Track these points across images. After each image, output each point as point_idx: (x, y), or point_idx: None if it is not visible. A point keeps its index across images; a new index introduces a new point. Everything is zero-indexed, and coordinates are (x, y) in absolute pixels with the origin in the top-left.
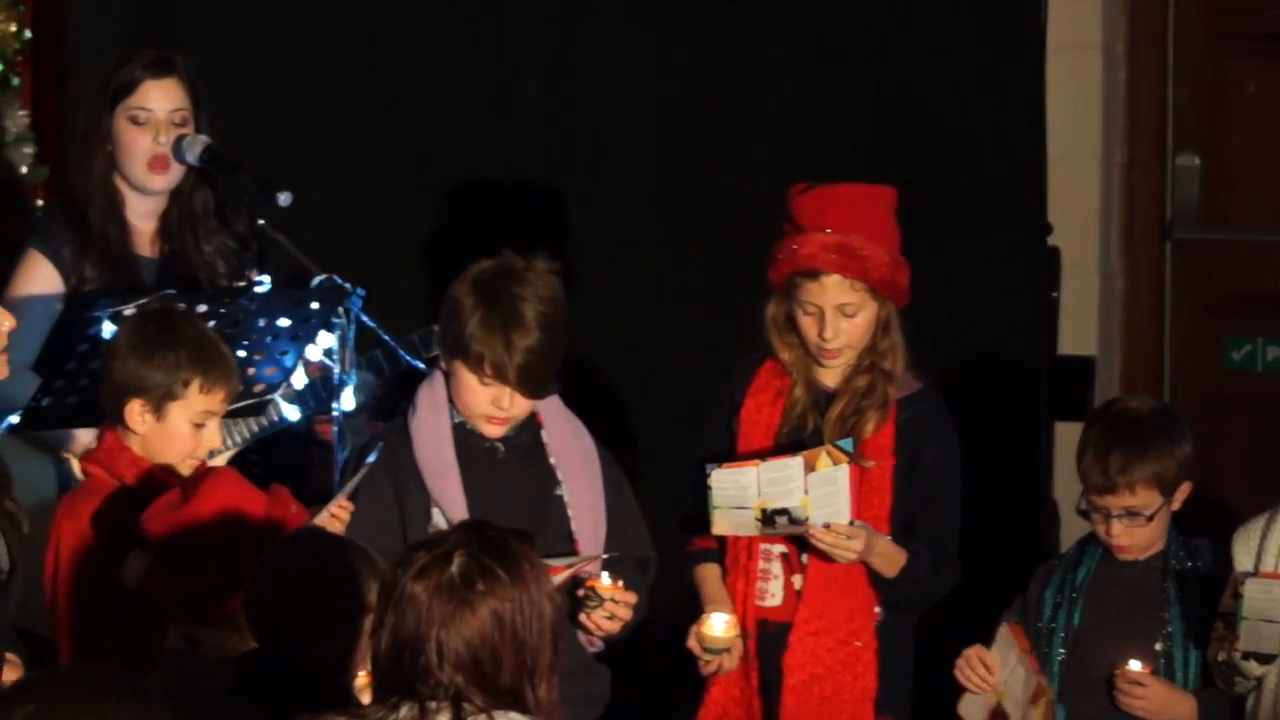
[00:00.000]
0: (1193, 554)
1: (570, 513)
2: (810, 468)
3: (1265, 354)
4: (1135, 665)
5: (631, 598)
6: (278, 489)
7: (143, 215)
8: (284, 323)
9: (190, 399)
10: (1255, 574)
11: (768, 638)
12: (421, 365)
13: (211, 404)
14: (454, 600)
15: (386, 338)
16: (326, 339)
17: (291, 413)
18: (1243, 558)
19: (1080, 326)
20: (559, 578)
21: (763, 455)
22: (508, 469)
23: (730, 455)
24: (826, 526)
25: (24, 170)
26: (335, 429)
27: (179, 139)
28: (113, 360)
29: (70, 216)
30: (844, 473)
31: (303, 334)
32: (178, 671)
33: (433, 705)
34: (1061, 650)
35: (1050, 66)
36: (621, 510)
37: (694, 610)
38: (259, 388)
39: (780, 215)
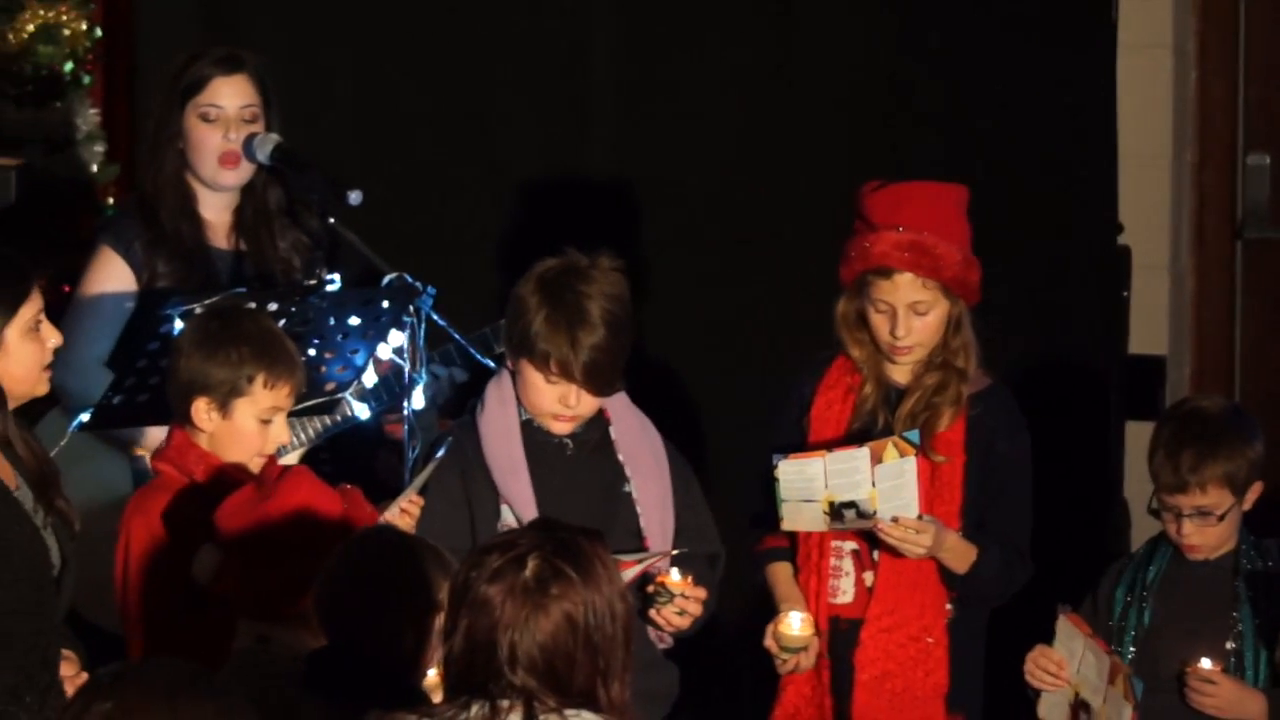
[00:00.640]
0: (1264, 554)
1: (639, 509)
2: (877, 459)
3: None
4: (1206, 663)
5: (701, 593)
6: (351, 489)
7: (215, 209)
8: (355, 321)
9: (255, 395)
10: None
11: (839, 635)
12: (492, 363)
13: (277, 400)
14: (527, 604)
15: (457, 336)
16: (397, 337)
17: (362, 411)
18: None
19: (1151, 326)
20: (628, 574)
21: (829, 445)
22: (576, 466)
23: (799, 450)
24: (895, 520)
25: (94, 169)
26: (406, 427)
27: (250, 137)
28: (178, 358)
29: (142, 213)
30: (911, 465)
31: (374, 332)
32: (251, 670)
33: (504, 704)
34: (1132, 648)
35: (1121, 66)
36: (689, 506)
37: (766, 610)
38: (329, 386)
39: (850, 214)
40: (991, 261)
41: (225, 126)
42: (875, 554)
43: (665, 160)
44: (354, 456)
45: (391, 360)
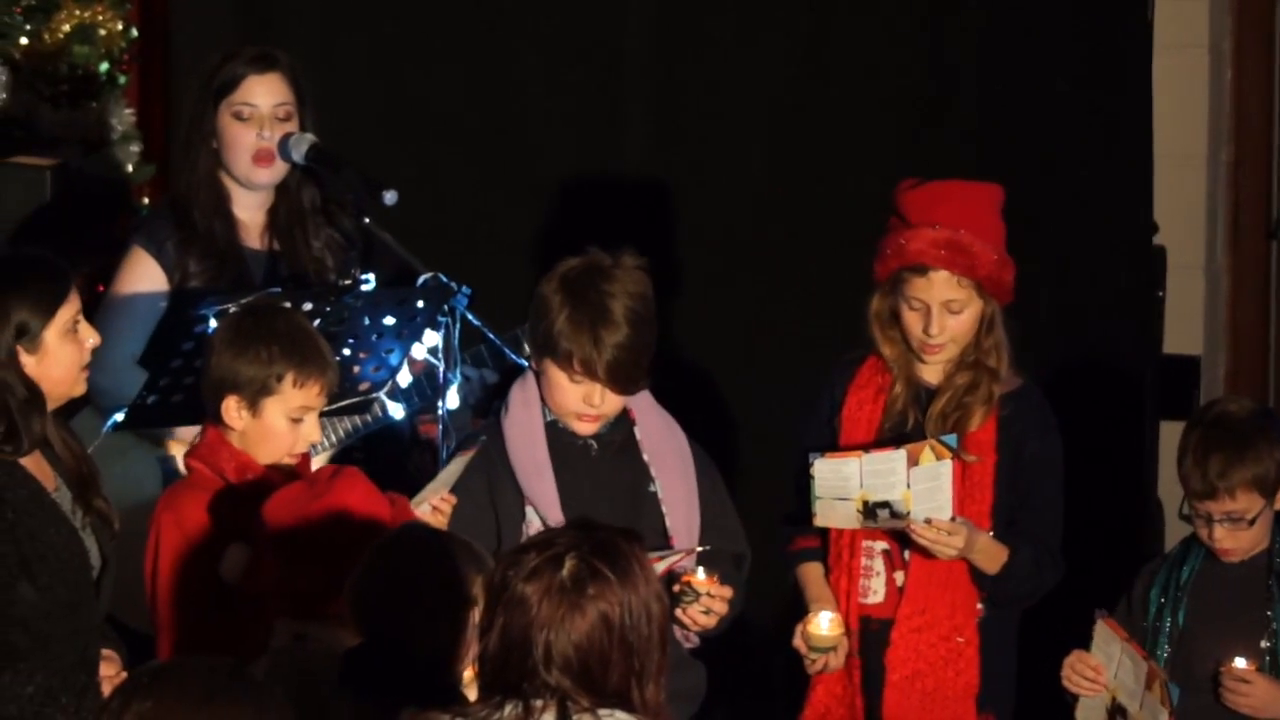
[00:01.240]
0: None
1: (664, 508)
2: (913, 462)
3: None
4: (1241, 663)
5: (727, 592)
6: (398, 498)
7: (249, 209)
8: (389, 321)
9: (285, 394)
10: None
11: (870, 635)
12: (525, 363)
13: (307, 399)
14: (564, 603)
15: (491, 336)
16: (432, 337)
17: (396, 411)
18: None
19: (1185, 325)
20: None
21: (865, 448)
22: (601, 466)
23: (834, 450)
24: (928, 521)
25: (130, 169)
26: (440, 427)
27: (285, 137)
28: (210, 356)
29: (175, 212)
30: (947, 468)
31: (408, 332)
32: (288, 668)
33: (538, 704)
34: (1167, 649)
35: (1157, 66)
36: (715, 505)
37: (797, 610)
38: (364, 386)
39: (885, 214)
40: (1026, 261)
41: (259, 125)
42: (906, 554)
43: (699, 159)
44: (387, 456)
45: (426, 360)
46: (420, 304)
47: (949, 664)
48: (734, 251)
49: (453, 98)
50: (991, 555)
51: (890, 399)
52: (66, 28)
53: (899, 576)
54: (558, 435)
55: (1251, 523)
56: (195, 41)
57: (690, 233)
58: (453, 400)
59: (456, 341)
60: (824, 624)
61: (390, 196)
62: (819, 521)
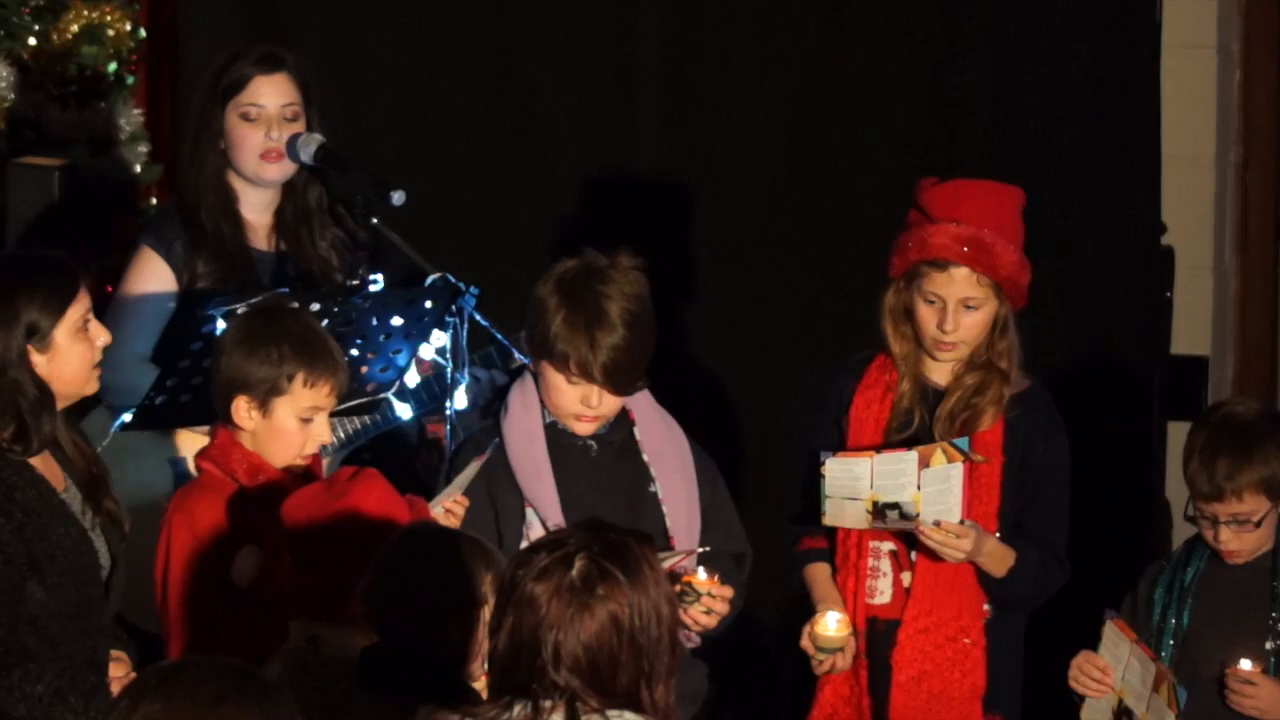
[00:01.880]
0: None
1: (665, 509)
2: (924, 464)
3: None
4: (1246, 664)
5: (728, 592)
6: (417, 500)
7: (257, 209)
8: (397, 321)
9: (296, 394)
10: None
11: (877, 635)
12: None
13: (317, 399)
14: (573, 603)
15: (500, 336)
16: (440, 338)
17: (404, 411)
18: None
19: (1194, 326)
20: None
21: (877, 448)
22: (601, 467)
23: (840, 450)
24: (937, 524)
25: (138, 169)
26: (448, 427)
27: (293, 137)
28: (219, 357)
29: (182, 213)
30: (958, 471)
31: (416, 333)
32: (300, 670)
33: (546, 705)
34: (1171, 649)
35: (1165, 66)
36: (716, 505)
37: (804, 610)
38: (371, 387)
39: (896, 215)
40: (1035, 261)
41: (266, 125)
42: (913, 555)
43: (710, 160)
44: (396, 457)
45: (434, 361)
46: (428, 304)
47: (956, 665)
48: (744, 253)
49: (462, 98)
50: (999, 558)
51: (897, 397)
52: (75, 28)
53: (906, 577)
54: (557, 436)
55: (1258, 524)
56: (204, 42)
57: (701, 233)
58: (461, 401)
59: (465, 342)
60: (831, 624)
61: (398, 197)
62: (828, 521)
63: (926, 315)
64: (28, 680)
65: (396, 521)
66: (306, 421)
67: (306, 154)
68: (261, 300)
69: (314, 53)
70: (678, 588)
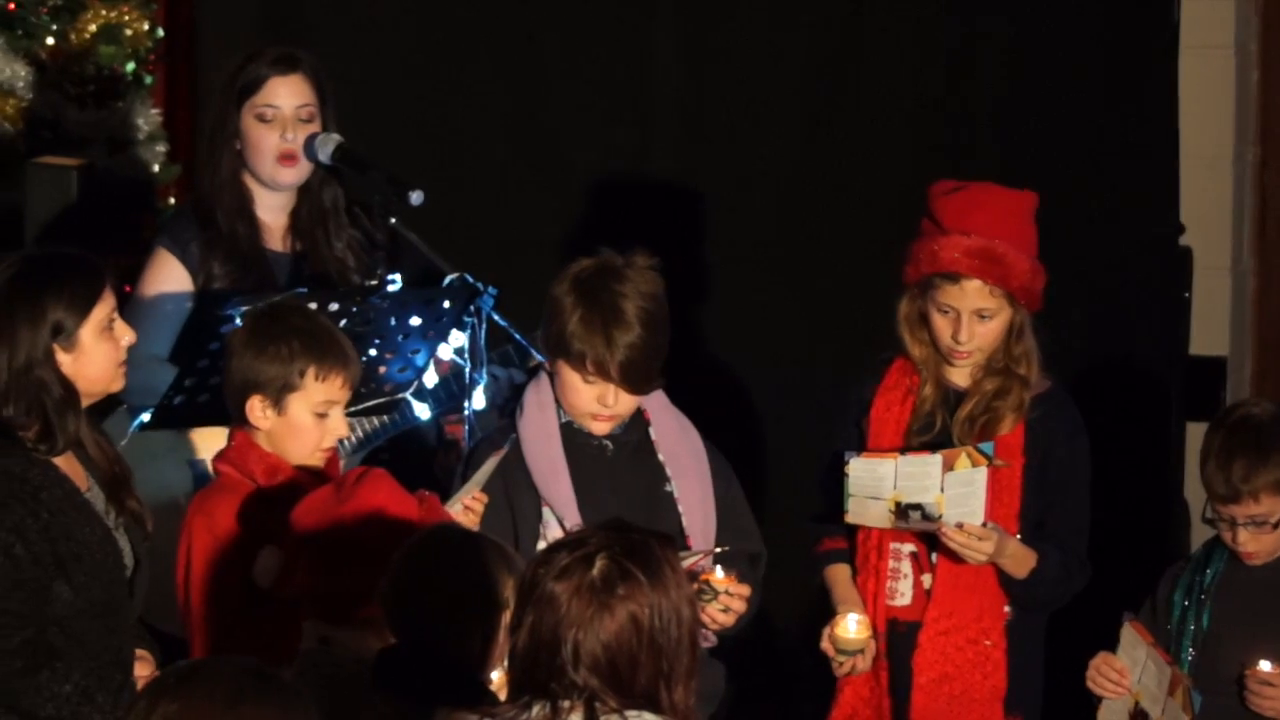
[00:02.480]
0: None
1: (680, 508)
2: (949, 467)
3: None
4: (1265, 666)
5: (745, 590)
6: (428, 495)
7: (272, 211)
8: (415, 321)
9: (308, 389)
10: None
11: (897, 637)
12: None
13: (330, 392)
14: (593, 602)
15: (518, 336)
16: (458, 338)
17: (422, 411)
18: None
19: (1212, 327)
20: None
21: (902, 450)
22: (617, 467)
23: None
24: (959, 526)
25: (156, 169)
26: (466, 428)
27: (310, 138)
28: (230, 359)
29: (198, 214)
30: (982, 475)
31: (434, 332)
32: (313, 672)
33: (565, 705)
34: (1191, 651)
35: (1183, 66)
36: (731, 505)
37: (824, 612)
38: (389, 387)
39: (912, 215)
40: (1052, 263)
41: (282, 127)
42: (934, 557)
43: (726, 161)
44: (414, 457)
45: (452, 361)
46: (446, 304)
47: (976, 667)
48: (760, 253)
49: (479, 99)
50: (1020, 560)
51: (919, 401)
52: (93, 28)
53: (926, 579)
54: (573, 436)
55: (1275, 526)
56: (221, 41)
57: (717, 234)
58: (479, 401)
59: (483, 342)
60: (851, 626)
61: (416, 197)
62: (850, 518)
63: (941, 324)
64: (55, 680)
65: (407, 520)
66: (322, 416)
67: (324, 154)
68: (279, 300)
69: (331, 53)
70: (695, 586)
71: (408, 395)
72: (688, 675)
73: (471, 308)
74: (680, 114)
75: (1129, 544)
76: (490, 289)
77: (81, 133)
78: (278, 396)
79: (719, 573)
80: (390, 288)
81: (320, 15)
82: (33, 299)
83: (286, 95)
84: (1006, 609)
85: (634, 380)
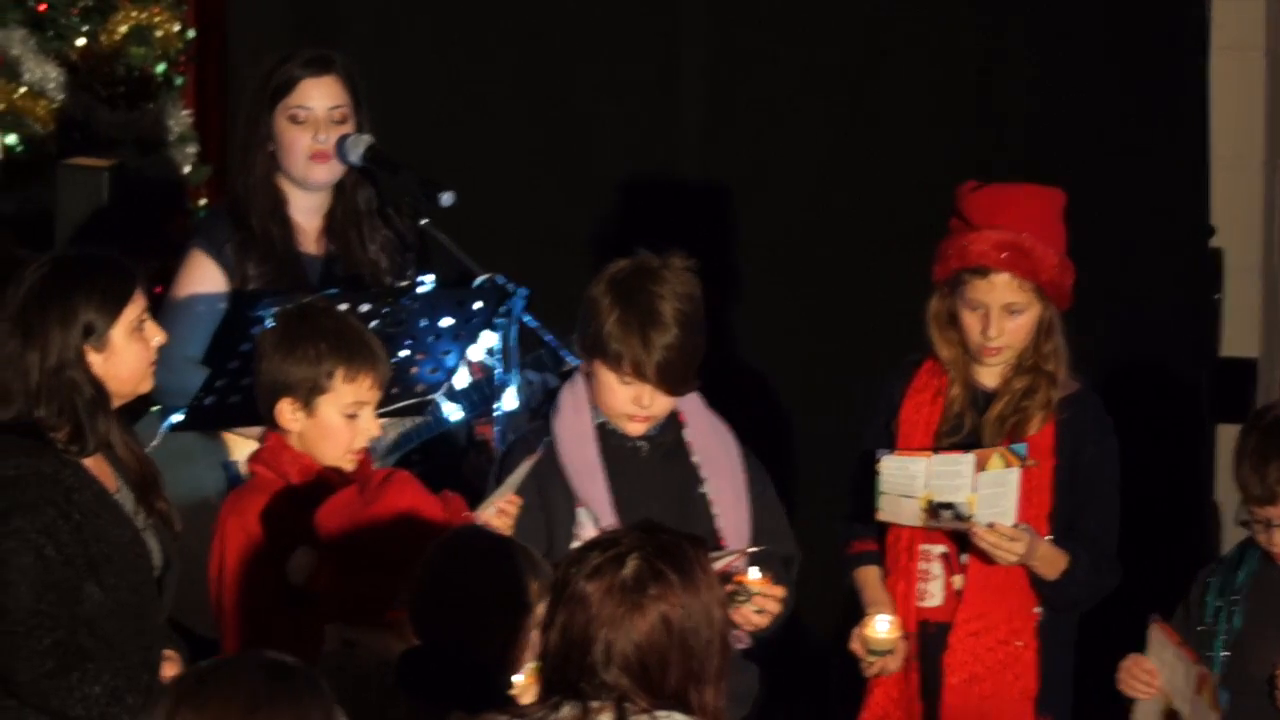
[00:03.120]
0: None
1: (715, 510)
2: (981, 467)
3: None
4: None
5: (780, 591)
6: (453, 496)
7: (306, 213)
8: (447, 322)
9: (338, 390)
10: None
11: (928, 638)
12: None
13: (359, 393)
14: (625, 602)
15: (549, 338)
16: (489, 339)
17: (453, 412)
18: None
19: (1243, 328)
20: None
21: (934, 450)
22: (652, 468)
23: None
24: (991, 526)
25: (187, 170)
26: (496, 429)
27: (342, 139)
28: (259, 362)
29: (233, 216)
30: (1015, 476)
31: (465, 334)
32: (336, 674)
33: (595, 705)
34: (1223, 652)
35: (1214, 68)
36: (764, 507)
37: (855, 613)
38: (420, 387)
39: (940, 215)
40: (1082, 264)
41: (315, 128)
42: (964, 558)
43: (755, 162)
44: (443, 458)
45: (483, 363)
46: (477, 305)
47: (1007, 668)
48: (790, 254)
49: (510, 99)
50: (1051, 562)
51: (948, 401)
52: (123, 29)
53: (957, 580)
54: (608, 437)
55: None
56: (252, 42)
57: (746, 235)
58: (511, 402)
59: (514, 343)
60: (881, 627)
61: (448, 198)
62: (882, 516)
63: (971, 321)
64: (86, 681)
65: (432, 522)
66: (352, 417)
67: (355, 155)
68: (309, 301)
69: (363, 53)
70: (730, 588)
71: (438, 397)
72: (718, 676)
73: (503, 309)
74: (709, 115)
75: (1159, 546)
76: (521, 290)
77: (112, 134)
78: (307, 399)
79: (754, 574)
80: (421, 289)
81: (351, 15)
82: (64, 300)
83: (319, 97)
84: (1037, 610)
85: (671, 381)
